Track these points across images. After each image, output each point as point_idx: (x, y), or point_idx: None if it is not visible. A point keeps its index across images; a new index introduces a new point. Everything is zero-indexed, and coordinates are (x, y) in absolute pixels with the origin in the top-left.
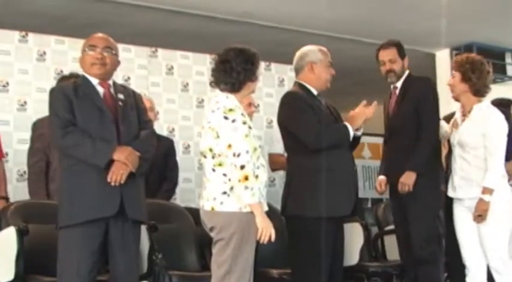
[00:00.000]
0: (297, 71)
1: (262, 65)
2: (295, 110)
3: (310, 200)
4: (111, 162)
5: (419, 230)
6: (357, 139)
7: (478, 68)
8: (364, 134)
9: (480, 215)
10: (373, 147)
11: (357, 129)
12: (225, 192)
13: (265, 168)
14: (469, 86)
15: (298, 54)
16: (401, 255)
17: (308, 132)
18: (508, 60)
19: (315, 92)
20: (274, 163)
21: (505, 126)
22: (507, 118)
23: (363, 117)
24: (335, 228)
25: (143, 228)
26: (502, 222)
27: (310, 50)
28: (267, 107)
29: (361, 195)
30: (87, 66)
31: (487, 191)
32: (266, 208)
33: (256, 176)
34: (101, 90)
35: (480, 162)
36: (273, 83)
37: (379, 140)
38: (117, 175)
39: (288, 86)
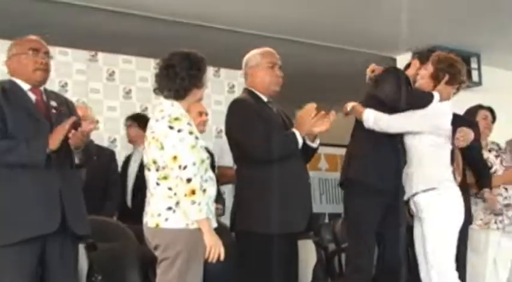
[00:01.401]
0: (245, 77)
1: (211, 70)
2: (241, 118)
3: (259, 214)
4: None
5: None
6: (312, 150)
7: (453, 74)
8: (320, 144)
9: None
10: (330, 158)
11: (313, 140)
12: (170, 208)
13: (214, 181)
14: (433, 86)
15: (244, 59)
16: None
17: (254, 142)
18: (473, 65)
19: (264, 98)
20: (223, 176)
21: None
22: (471, 126)
23: (310, 119)
24: (288, 246)
25: (81, 247)
26: (445, 235)
27: (251, 55)
28: (216, 115)
29: (317, 209)
30: (29, 71)
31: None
32: (215, 224)
33: (204, 190)
34: (32, 97)
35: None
36: (222, 89)
37: (337, 151)
38: (54, 139)
39: (239, 92)
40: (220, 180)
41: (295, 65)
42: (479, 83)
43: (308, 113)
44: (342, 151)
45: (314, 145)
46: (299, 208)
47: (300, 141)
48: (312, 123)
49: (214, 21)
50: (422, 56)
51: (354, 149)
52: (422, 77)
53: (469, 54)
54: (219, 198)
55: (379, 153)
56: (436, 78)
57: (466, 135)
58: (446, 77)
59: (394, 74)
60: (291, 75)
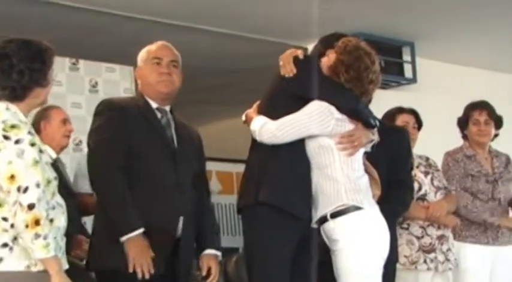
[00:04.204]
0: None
1: (66, 62)
2: (97, 124)
3: (112, 250)
4: None
5: None
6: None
7: (352, 63)
8: (212, 158)
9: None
10: (224, 177)
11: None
12: (5, 245)
13: (64, 208)
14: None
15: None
16: None
17: (98, 154)
18: (405, 57)
19: (153, 105)
20: (83, 205)
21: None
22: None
23: None
24: None
25: None
26: (361, 274)
27: (138, 55)
28: (74, 122)
29: None
30: None
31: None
32: (66, 265)
33: (51, 220)
34: None
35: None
36: (82, 88)
37: (233, 168)
38: None
39: (104, 92)
40: (81, 210)
41: (193, 58)
42: (413, 80)
43: None
44: (241, 168)
45: None
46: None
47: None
48: None
49: (98, 4)
50: (328, 41)
51: (256, 166)
52: (322, 65)
53: (400, 43)
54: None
55: (288, 170)
56: (334, 72)
57: (358, 138)
58: (346, 75)
59: (304, 64)
60: (191, 71)
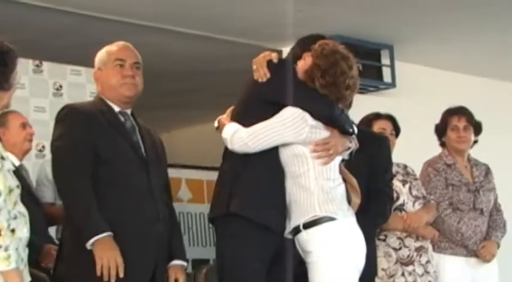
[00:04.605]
0: (95, 81)
1: (29, 64)
2: (61, 131)
3: (80, 259)
4: None
5: None
6: None
7: (328, 68)
8: (182, 166)
9: None
10: (194, 184)
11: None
12: None
13: (26, 218)
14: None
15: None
16: None
17: (63, 162)
18: (384, 60)
19: (116, 109)
20: (49, 215)
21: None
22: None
23: None
24: None
25: None
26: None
27: (97, 55)
28: (37, 127)
29: None
30: None
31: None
32: (28, 278)
33: (13, 231)
34: None
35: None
36: (46, 91)
37: (203, 175)
38: None
39: (69, 95)
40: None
41: (162, 60)
42: (392, 85)
43: None
44: (211, 175)
45: None
46: (138, 255)
47: None
48: None
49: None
50: (305, 43)
51: (228, 174)
52: (298, 69)
53: (379, 46)
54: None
55: (261, 179)
56: (309, 76)
57: (333, 146)
58: (322, 80)
59: (278, 68)
60: (161, 74)
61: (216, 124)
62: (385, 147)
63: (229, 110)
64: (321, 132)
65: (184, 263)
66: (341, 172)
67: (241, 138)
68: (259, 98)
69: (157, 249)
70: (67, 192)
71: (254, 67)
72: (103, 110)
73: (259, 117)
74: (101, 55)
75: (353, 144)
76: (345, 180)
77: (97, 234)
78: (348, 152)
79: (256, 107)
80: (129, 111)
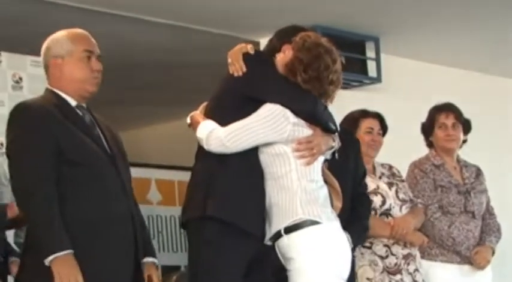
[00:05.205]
0: (46, 71)
1: None
2: (17, 133)
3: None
4: None
5: None
6: None
7: (311, 62)
8: (151, 165)
9: None
10: (164, 185)
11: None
12: None
13: None
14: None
15: (42, 47)
16: None
17: (22, 167)
18: (369, 53)
19: (72, 103)
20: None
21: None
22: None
23: None
24: None
25: None
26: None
27: (54, 39)
28: None
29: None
30: None
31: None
32: None
33: None
34: None
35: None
36: (4, 84)
37: (175, 175)
38: None
39: (29, 89)
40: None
41: (130, 51)
42: (377, 79)
43: None
44: (183, 176)
45: None
46: (115, 259)
47: None
48: None
49: None
50: (284, 35)
51: (203, 175)
52: (277, 62)
53: (363, 37)
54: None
55: (239, 180)
56: (291, 70)
57: (317, 145)
58: (304, 75)
59: (255, 61)
60: (128, 66)
61: (188, 120)
62: (359, 149)
63: (202, 106)
64: (304, 130)
65: (156, 260)
66: (323, 174)
67: (218, 138)
68: (235, 93)
69: (136, 249)
70: (27, 201)
71: (229, 60)
72: (58, 105)
73: (235, 114)
74: (62, 41)
75: (336, 143)
76: (326, 182)
77: (57, 251)
78: (331, 151)
79: (232, 103)
80: (85, 105)
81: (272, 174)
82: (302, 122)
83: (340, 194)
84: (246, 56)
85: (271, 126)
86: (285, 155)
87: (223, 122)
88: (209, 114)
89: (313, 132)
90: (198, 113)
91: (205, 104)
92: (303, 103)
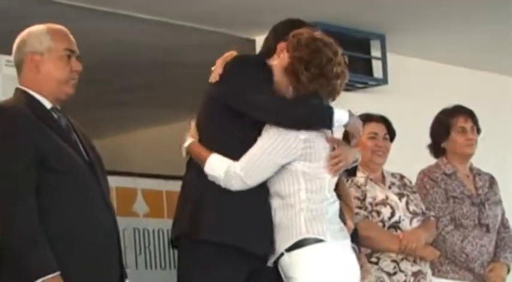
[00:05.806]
0: (17, 69)
1: None
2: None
3: None
4: None
5: None
6: None
7: (311, 58)
8: (138, 174)
9: None
10: (151, 196)
11: None
12: None
13: None
14: (293, 88)
15: (16, 41)
16: None
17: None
18: (374, 52)
19: (47, 105)
20: None
21: None
22: None
23: None
24: None
25: None
26: None
27: (32, 33)
28: None
29: (132, 278)
30: None
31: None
32: None
33: None
34: None
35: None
36: None
37: (164, 185)
38: None
39: (3, 91)
40: None
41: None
42: (383, 80)
43: None
44: (173, 186)
45: None
46: (93, 266)
47: None
48: None
49: None
50: (280, 32)
51: (194, 186)
52: (275, 68)
53: (368, 36)
54: None
55: (236, 194)
56: (292, 73)
57: (345, 156)
58: (307, 73)
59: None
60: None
61: (184, 152)
62: None
63: (193, 126)
64: (317, 143)
65: None
66: (340, 188)
67: (237, 177)
68: (216, 102)
69: (120, 266)
70: (5, 218)
71: (212, 68)
72: (32, 107)
73: (223, 125)
74: (41, 37)
75: (359, 155)
76: (339, 196)
77: (43, 275)
78: (355, 164)
79: (218, 115)
80: (59, 108)
81: (278, 192)
82: (313, 134)
83: (353, 213)
84: (226, 64)
85: (283, 148)
86: (295, 173)
87: (217, 139)
88: (203, 135)
89: (338, 145)
90: (196, 143)
91: (194, 122)
92: (292, 111)
